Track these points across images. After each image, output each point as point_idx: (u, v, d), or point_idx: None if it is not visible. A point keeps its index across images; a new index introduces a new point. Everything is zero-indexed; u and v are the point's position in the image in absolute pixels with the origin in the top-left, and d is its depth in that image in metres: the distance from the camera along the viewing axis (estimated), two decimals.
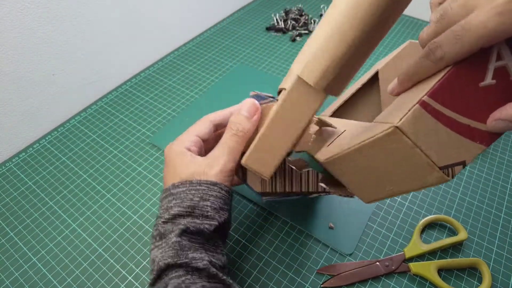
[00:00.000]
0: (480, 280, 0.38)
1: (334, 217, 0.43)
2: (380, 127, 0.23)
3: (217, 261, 0.29)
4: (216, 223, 0.29)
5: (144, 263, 0.40)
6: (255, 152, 0.30)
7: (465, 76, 0.20)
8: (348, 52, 0.24)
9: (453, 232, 0.42)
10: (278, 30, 0.76)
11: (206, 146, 0.35)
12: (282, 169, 0.34)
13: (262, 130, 0.29)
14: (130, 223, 0.44)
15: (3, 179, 0.49)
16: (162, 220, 0.29)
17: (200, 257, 0.27)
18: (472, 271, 0.38)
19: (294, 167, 0.35)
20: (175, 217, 0.29)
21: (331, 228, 0.42)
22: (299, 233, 0.42)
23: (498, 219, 0.43)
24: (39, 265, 0.40)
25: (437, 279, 0.37)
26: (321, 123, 0.32)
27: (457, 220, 0.42)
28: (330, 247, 0.41)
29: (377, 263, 0.39)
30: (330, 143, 0.31)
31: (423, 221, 0.42)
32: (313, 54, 0.26)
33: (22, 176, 0.50)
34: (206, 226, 0.29)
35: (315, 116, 0.32)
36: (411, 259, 0.39)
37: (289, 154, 0.34)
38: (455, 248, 0.40)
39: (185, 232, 0.28)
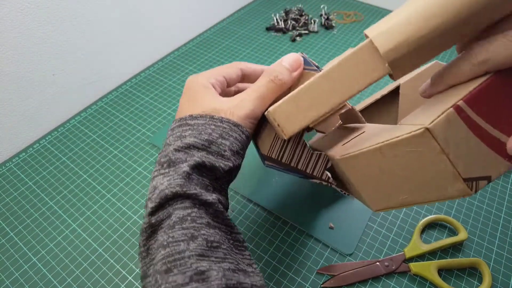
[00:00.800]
0: (480, 280, 0.38)
1: (334, 217, 0.43)
2: (407, 128, 0.21)
3: (224, 201, 0.27)
4: (231, 164, 0.27)
5: None
6: (288, 104, 0.28)
7: (506, 86, 0.19)
8: (434, 33, 0.21)
9: (453, 232, 0.42)
10: (278, 30, 0.76)
11: (226, 94, 0.33)
12: (297, 141, 0.32)
13: (306, 83, 0.27)
14: (130, 223, 0.44)
15: (3, 179, 0.49)
16: (173, 147, 0.27)
17: (209, 193, 0.26)
18: (472, 271, 0.38)
19: (308, 145, 0.33)
20: (190, 147, 0.26)
21: (331, 228, 0.42)
22: (299, 233, 0.42)
23: (498, 219, 0.43)
24: (39, 265, 0.40)
25: (437, 279, 0.37)
26: (349, 115, 0.31)
27: (457, 220, 0.42)
28: (330, 247, 0.41)
29: (377, 263, 0.39)
30: (347, 142, 0.30)
31: (423, 221, 0.42)
32: (396, 22, 0.23)
33: (22, 176, 0.50)
34: (222, 165, 0.26)
35: (349, 104, 0.30)
36: (411, 259, 0.39)
37: (309, 129, 0.32)
38: (455, 248, 0.40)
39: (198, 166, 0.26)
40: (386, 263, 0.38)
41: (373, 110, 0.42)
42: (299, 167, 0.33)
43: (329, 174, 0.33)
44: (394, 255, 0.39)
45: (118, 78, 0.64)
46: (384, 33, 0.23)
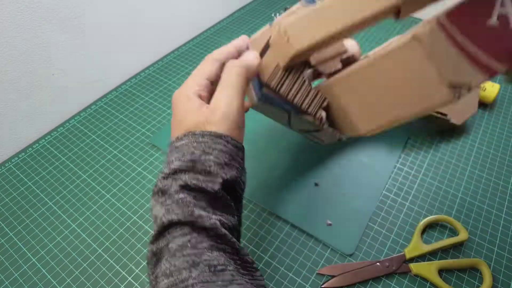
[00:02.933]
0: (481, 281, 0.37)
1: (334, 218, 0.43)
2: (397, 42, 0.24)
3: (227, 221, 0.26)
4: (221, 180, 0.26)
5: (144, 263, 0.40)
6: (300, 21, 0.27)
7: (478, 8, 0.22)
8: None
9: (454, 232, 0.42)
10: None
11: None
12: (297, 75, 0.32)
13: (319, 5, 0.27)
14: (130, 224, 0.44)
15: (3, 179, 0.49)
16: (161, 175, 0.26)
17: (207, 215, 0.25)
18: (473, 271, 0.38)
19: (308, 80, 0.33)
20: (175, 172, 0.26)
21: (329, 225, 0.42)
22: (299, 234, 0.42)
23: (499, 219, 0.43)
24: (39, 265, 0.40)
25: (437, 280, 0.37)
26: (350, 63, 0.31)
27: (458, 220, 0.42)
28: (331, 248, 0.40)
29: (378, 263, 0.39)
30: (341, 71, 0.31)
31: (423, 222, 0.41)
32: None
33: (22, 176, 0.50)
34: (210, 184, 0.25)
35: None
36: (411, 260, 0.39)
37: (310, 66, 0.33)
38: (456, 249, 0.40)
39: (186, 189, 0.25)
40: (386, 264, 0.38)
41: None
42: (295, 101, 0.33)
43: (323, 114, 0.33)
44: (394, 255, 0.39)
45: (118, 78, 0.64)
46: None
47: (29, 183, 0.49)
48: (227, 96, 0.28)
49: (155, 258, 0.25)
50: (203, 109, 0.28)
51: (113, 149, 0.53)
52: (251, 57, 0.30)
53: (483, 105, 0.57)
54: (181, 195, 0.25)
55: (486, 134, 0.52)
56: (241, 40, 0.32)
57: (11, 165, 0.51)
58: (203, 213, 0.25)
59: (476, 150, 0.50)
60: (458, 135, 0.52)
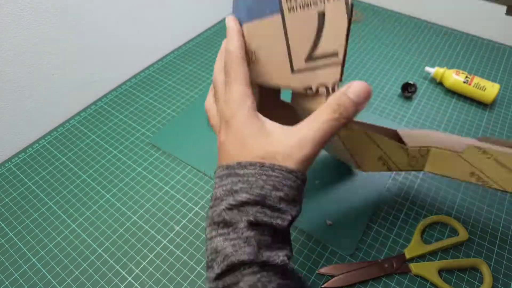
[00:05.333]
0: (481, 281, 0.37)
1: (334, 218, 0.43)
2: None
3: (290, 253, 0.26)
4: (290, 217, 0.25)
5: (144, 263, 0.40)
6: None
7: None
8: None
9: (454, 232, 0.42)
10: None
11: None
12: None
13: None
14: (130, 224, 0.44)
15: (3, 180, 0.49)
16: (225, 205, 0.25)
17: (276, 253, 0.24)
18: (473, 271, 0.38)
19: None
20: (242, 204, 0.24)
21: (329, 225, 0.42)
22: (299, 234, 0.42)
23: (499, 219, 0.43)
24: (39, 265, 0.40)
25: (438, 280, 0.37)
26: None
27: (458, 220, 0.42)
28: (331, 248, 0.40)
29: (378, 263, 0.39)
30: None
31: (423, 222, 0.41)
32: None
33: (22, 176, 0.50)
34: (279, 221, 0.24)
35: None
36: (411, 260, 0.39)
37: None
38: (456, 249, 0.40)
39: (254, 225, 0.24)
40: (386, 264, 0.38)
41: None
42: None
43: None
44: (394, 255, 0.39)
45: (118, 78, 0.64)
46: None
47: (29, 183, 0.49)
48: (318, 138, 0.25)
49: None
50: (274, 133, 0.26)
51: (113, 149, 0.53)
52: (351, 114, 0.25)
53: (483, 105, 0.57)
54: (250, 233, 0.24)
55: (486, 134, 0.52)
56: (235, 23, 0.29)
57: (11, 165, 0.51)
58: (269, 251, 0.24)
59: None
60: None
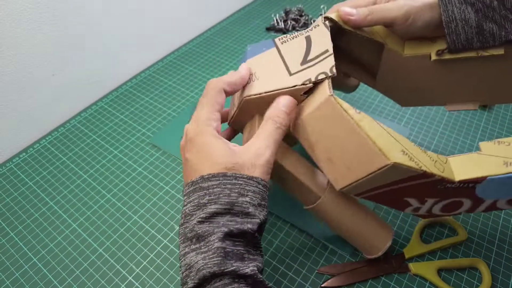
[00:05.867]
0: (480, 280, 0.38)
1: None
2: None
3: (260, 264, 0.27)
4: (258, 220, 0.27)
5: (144, 263, 0.40)
6: None
7: None
8: None
9: (452, 232, 0.42)
10: (278, 30, 0.76)
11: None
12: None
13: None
14: (130, 223, 0.44)
15: (4, 179, 0.49)
16: (197, 219, 0.26)
17: (245, 264, 0.25)
18: (472, 271, 0.38)
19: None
20: (213, 215, 0.26)
21: None
22: (299, 233, 0.42)
23: (498, 219, 0.43)
24: (40, 265, 0.40)
25: (437, 280, 0.37)
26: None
27: (456, 220, 0.42)
28: (330, 247, 0.41)
29: (377, 263, 0.39)
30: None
31: (422, 221, 0.42)
32: None
33: (23, 176, 0.50)
34: (249, 226, 0.26)
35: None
36: (411, 259, 0.39)
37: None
38: (455, 248, 0.40)
39: (228, 236, 0.26)
40: (385, 263, 0.39)
41: None
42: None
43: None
44: (393, 255, 0.39)
45: (118, 78, 0.65)
46: None
47: (30, 183, 0.49)
48: (270, 145, 0.29)
49: None
50: (236, 151, 0.29)
51: (114, 149, 0.53)
52: (287, 121, 0.30)
53: (483, 105, 0.57)
54: (221, 244, 0.25)
55: (485, 134, 0.52)
56: (245, 71, 0.33)
57: (12, 165, 0.51)
58: (240, 261, 0.25)
59: (476, 150, 0.50)
60: (458, 135, 0.52)
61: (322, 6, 0.83)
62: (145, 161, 0.51)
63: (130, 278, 0.39)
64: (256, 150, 0.28)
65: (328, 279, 0.38)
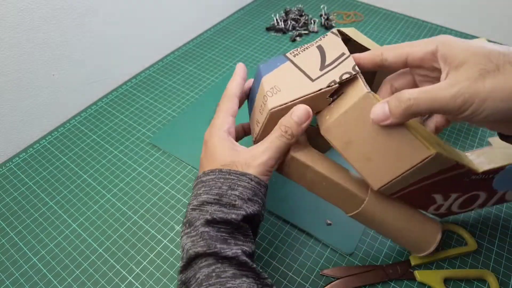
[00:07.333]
0: None
1: (334, 217, 0.43)
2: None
3: (247, 248, 0.29)
4: (244, 212, 0.29)
5: (144, 263, 0.40)
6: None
7: None
8: None
9: (460, 241, 0.41)
10: (278, 30, 0.76)
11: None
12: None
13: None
14: (130, 223, 0.44)
15: (4, 179, 0.49)
16: (190, 207, 0.30)
17: (229, 247, 0.28)
18: (480, 284, 0.37)
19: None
20: (203, 203, 0.29)
21: (329, 224, 0.42)
22: (299, 234, 0.42)
23: (507, 230, 0.42)
24: (40, 265, 0.40)
25: None
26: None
27: (464, 228, 0.41)
28: (331, 248, 0.41)
29: (382, 268, 0.38)
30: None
31: None
32: None
33: (23, 176, 0.50)
34: (233, 216, 0.28)
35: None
36: (417, 267, 0.38)
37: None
38: (463, 258, 0.39)
39: (212, 222, 0.28)
40: (390, 269, 0.38)
41: None
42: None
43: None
44: (399, 261, 0.39)
45: (118, 78, 0.64)
46: None
47: (30, 183, 0.49)
48: (269, 150, 0.31)
49: (184, 286, 0.28)
50: (239, 150, 0.32)
51: (114, 149, 0.53)
52: (295, 131, 0.31)
53: None
54: (205, 229, 0.28)
55: (485, 134, 0.52)
56: (242, 69, 0.37)
57: (12, 165, 0.51)
58: (225, 245, 0.27)
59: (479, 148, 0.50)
60: (458, 135, 0.52)
61: (322, 6, 0.83)
62: (145, 161, 0.51)
63: (130, 278, 0.39)
64: (255, 153, 0.31)
65: (331, 282, 0.37)
